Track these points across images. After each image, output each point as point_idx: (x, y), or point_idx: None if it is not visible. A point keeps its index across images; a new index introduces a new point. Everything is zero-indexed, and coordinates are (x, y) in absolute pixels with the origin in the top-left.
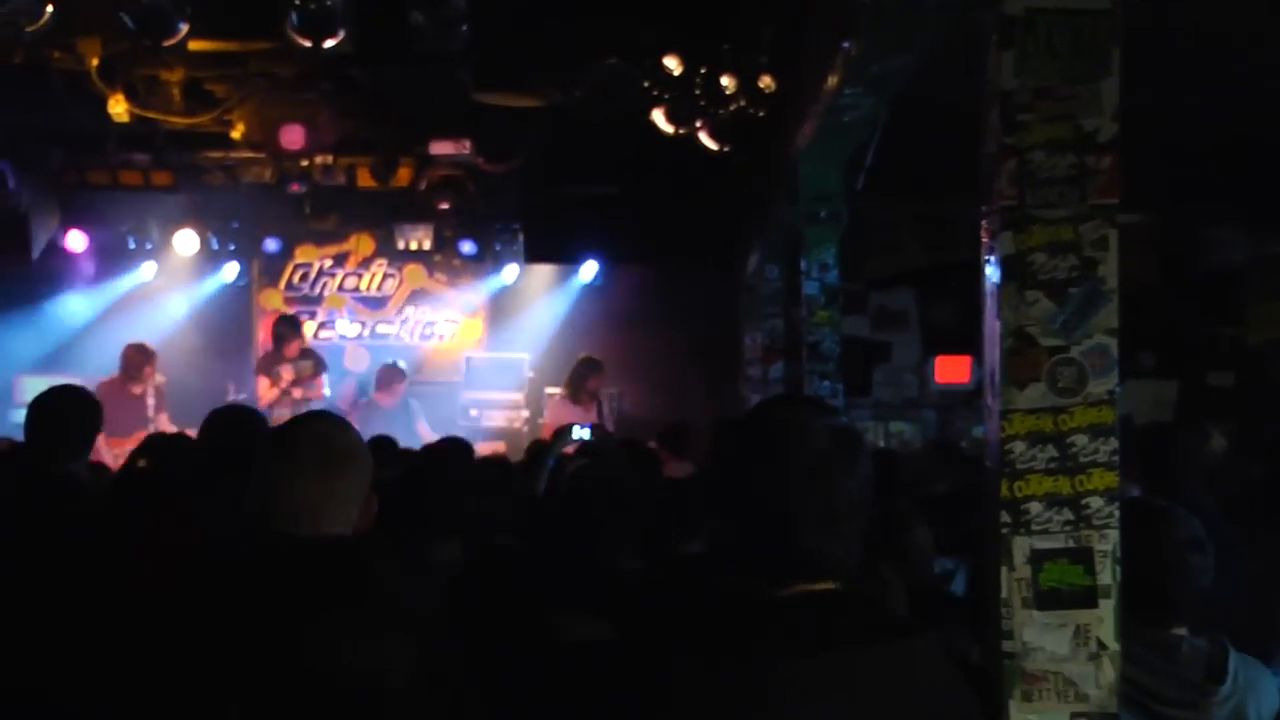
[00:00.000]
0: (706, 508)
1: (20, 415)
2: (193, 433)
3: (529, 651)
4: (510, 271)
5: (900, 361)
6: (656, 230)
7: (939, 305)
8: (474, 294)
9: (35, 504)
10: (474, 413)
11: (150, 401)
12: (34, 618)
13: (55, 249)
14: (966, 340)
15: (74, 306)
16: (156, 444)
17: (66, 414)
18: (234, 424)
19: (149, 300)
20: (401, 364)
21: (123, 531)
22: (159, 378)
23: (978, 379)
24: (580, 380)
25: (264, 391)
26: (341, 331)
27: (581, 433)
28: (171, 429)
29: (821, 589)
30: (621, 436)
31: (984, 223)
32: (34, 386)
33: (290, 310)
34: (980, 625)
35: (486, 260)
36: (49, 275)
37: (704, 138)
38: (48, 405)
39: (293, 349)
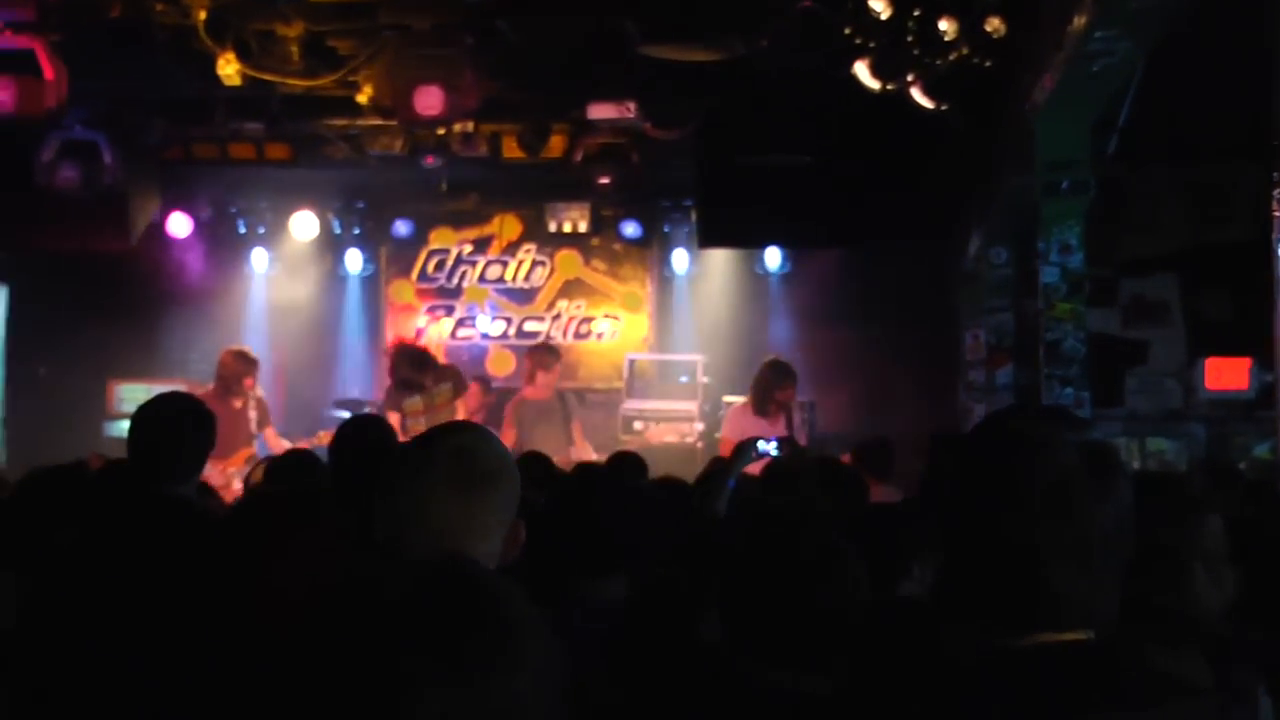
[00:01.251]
0: (924, 541)
1: (118, 427)
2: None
3: (716, 713)
4: (681, 258)
5: (1160, 364)
6: (856, 207)
7: (1209, 295)
8: (638, 285)
9: (141, 534)
10: (638, 425)
11: (252, 415)
12: (145, 665)
13: (156, 234)
14: (1245, 338)
15: (177, 300)
16: (282, 464)
17: (178, 427)
18: (366, 438)
19: (261, 293)
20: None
21: (244, 565)
22: (259, 390)
23: (1261, 385)
24: (766, 387)
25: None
26: (483, 329)
27: (768, 448)
28: (282, 444)
29: (1071, 639)
30: (816, 454)
31: (1275, 193)
32: (130, 394)
33: (423, 304)
34: None
35: (653, 244)
36: (148, 264)
37: (916, 94)
38: (157, 416)
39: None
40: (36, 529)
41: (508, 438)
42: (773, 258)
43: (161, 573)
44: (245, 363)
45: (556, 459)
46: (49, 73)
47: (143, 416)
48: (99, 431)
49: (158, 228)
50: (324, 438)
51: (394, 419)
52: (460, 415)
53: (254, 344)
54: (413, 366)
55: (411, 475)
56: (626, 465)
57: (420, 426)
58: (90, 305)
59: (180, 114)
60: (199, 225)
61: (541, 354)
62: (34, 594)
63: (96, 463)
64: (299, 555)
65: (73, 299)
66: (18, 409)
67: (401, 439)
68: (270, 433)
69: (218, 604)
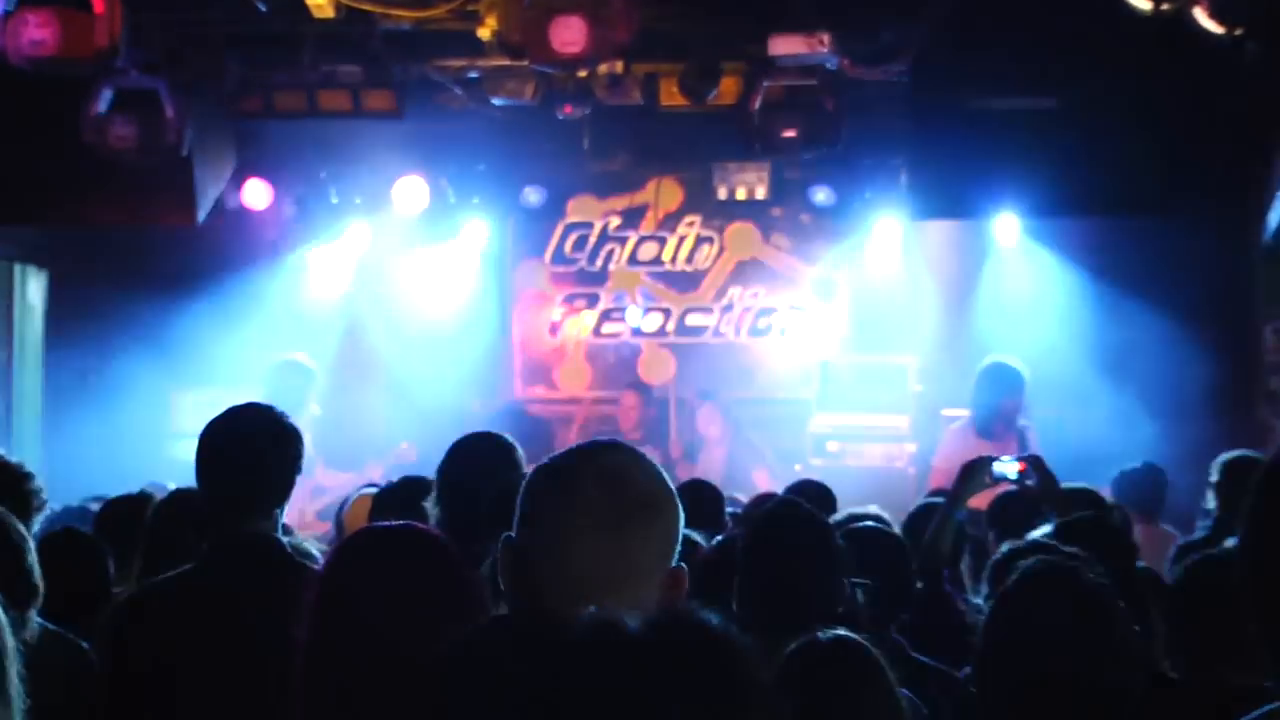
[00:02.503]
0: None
1: (183, 447)
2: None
3: None
4: (886, 232)
5: None
6: (1114, 165)
7: None
8: (832, 267)
9: (222, 583)
10: (833, 446)
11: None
12: None
13: (228, 206)
14: None
15: (254, 289)
16: (390, 498)
17: (261, 450)
18: (488, 460)
19: (358, 278)
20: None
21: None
22: (314, 408)
23: None
24: (995, 398)
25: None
26: (634, 324)
27: (1006, 470)
28: (332, 475)
29: None
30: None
31: None
32: (199, 407)
33: (559, 292)
34: None
35: (851, 215)
36: (219, 244)
37: (1199, 15)
38: (233, 434)
39: None
40: (93, 577)
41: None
42: (1006, 230)
43: (252, 633)
44: (302, 376)
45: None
46: (99, 5)
47: (216, 437)
48: (159, 451)
49: (230, 199)
50: (404, 451)
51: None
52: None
53: (346, 344)
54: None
55: (547, 507)
56: (811, 497)
57: None
58: (147, 295)
59: (259, 55)
60: (281, 195)
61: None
62: (98, 663)
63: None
64: (421, 611)
65: (126, 287)
66: (59, 425)
67: None
68: (319, 463)
69: (321, 675)
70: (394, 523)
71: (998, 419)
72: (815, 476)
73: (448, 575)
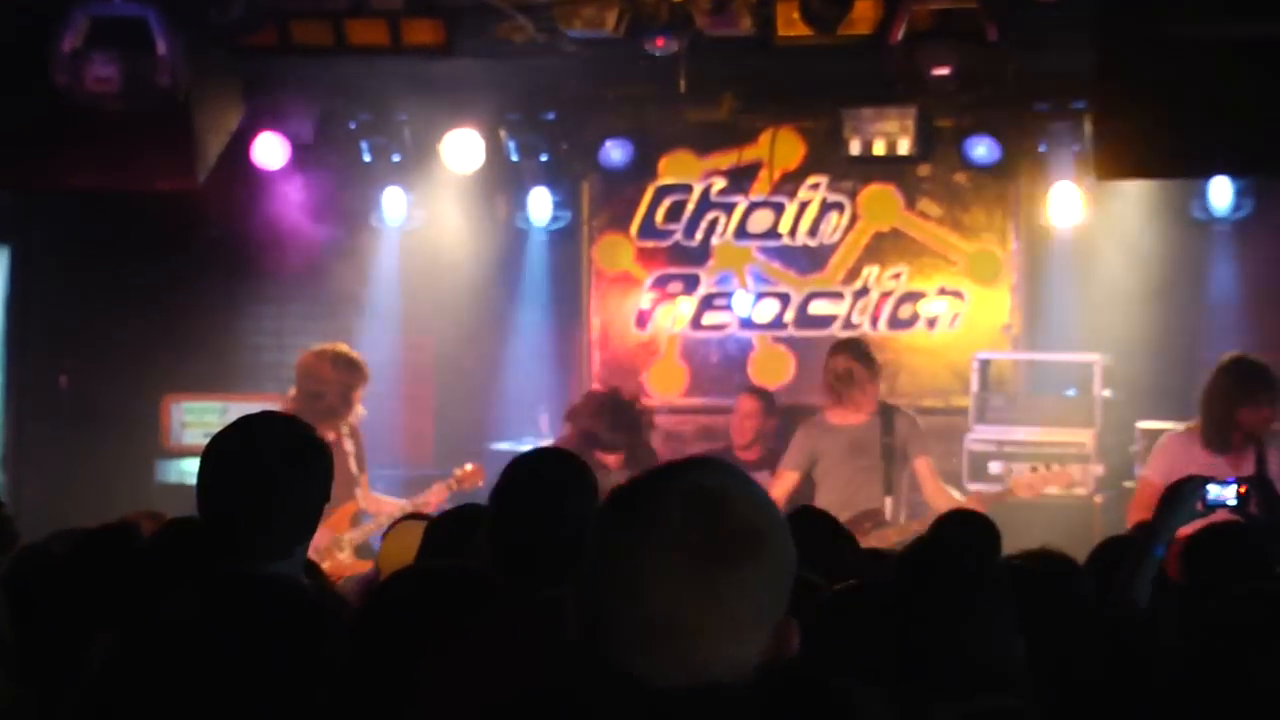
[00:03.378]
0: None
1: (178, 468)
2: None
3: None
4: (1065, 196)
5: None
6: None
7: None
8: (994, 240)
9: (227, 639)
10: (995, 467)
11: (350, 449)
12: None
13: (236, 165)
14: None
15: (267, 270)
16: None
17: (278, 471)
18: (552, 485)
19: (394, 257)
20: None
21: (373, 691)
22: (360, 410)
23: None
24: (1226, 404)
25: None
26: (742, 313)
27: (1223, 494)
28: (381, 502)
29: None
30: None
31: None
32: (198, 416)
33: (649, 273)
34: None
35: (1020, 175)
36: (223, 213)
37: None
38: (242, 452)
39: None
40: (66, 630)
41: (783, 484)
42: (1220, 193)
43: (263, 700)
44: (349, 368)
45: (867, 528)
46: None
47: (220, 453)
48: (149, 474)
49: (238, 156)
50: (469, 475)
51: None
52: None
53: (384, 337)
54: (612, 426)
55: (623, 541)
56: (969, 532)
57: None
58: (134, 277)
59: None
60: (300, 151)
61: (857, 356)
62: None
63: (149, 526)
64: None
65: (107, 268)
66: (27, 437)
67: None
68: (364, 480)
69: None
70: (437, 563)
71: (1235, 429)
72: (973, 507)
73: (502, 628)
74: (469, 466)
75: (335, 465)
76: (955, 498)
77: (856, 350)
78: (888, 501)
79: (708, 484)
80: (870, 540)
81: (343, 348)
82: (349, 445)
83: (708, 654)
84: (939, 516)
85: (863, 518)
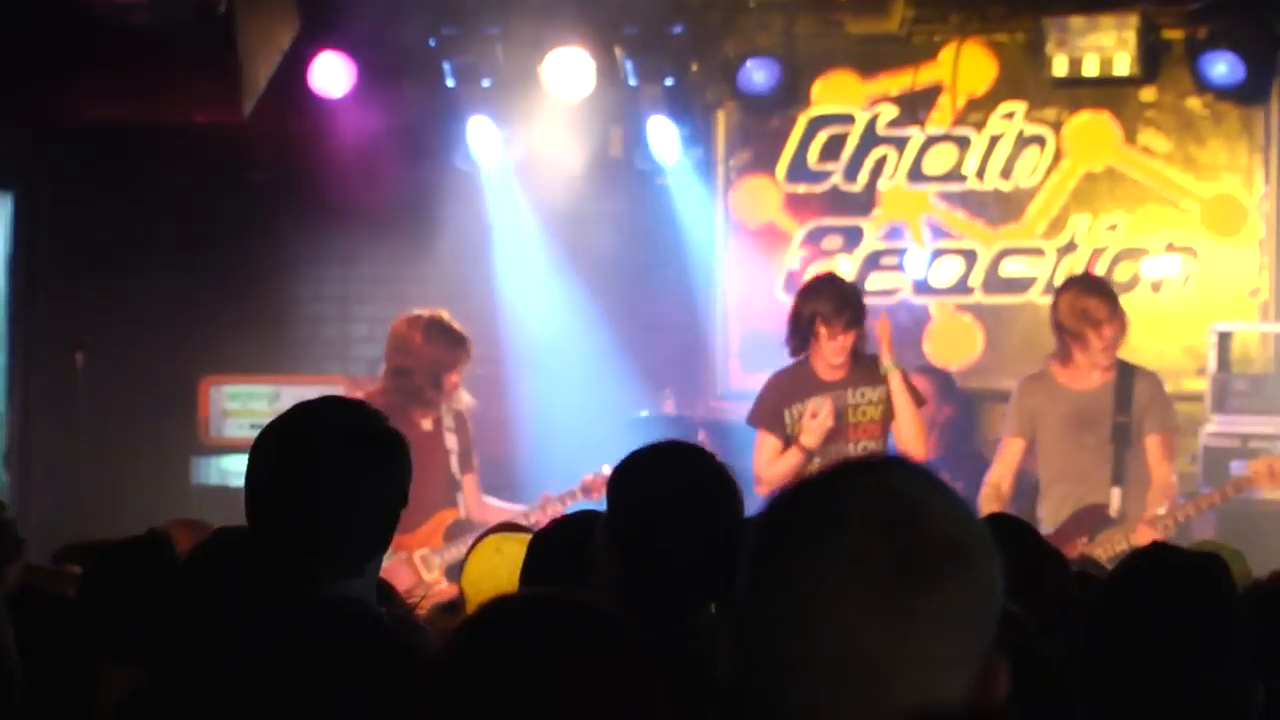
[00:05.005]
0: None
1: (220, 466)
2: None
3: None
4: None
5: None
6: None
7: None
8: (1239, 181)
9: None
10: (1240, 467)
11: (452, 446)
12: None
13: (289, 94)
14: None
15: (329, 220)
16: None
17: (338, 470)
18: (686, 490)
19: (484, 203)
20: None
21: None
22: (465, 397)
23: None
24: None
25: (764, 464)
26: (917, 275)
27: None
28: (489, 506)
29: None
30: None
31: None
32: (244, 402)
33: (800, 224)
34: None
35: (1268, 99)
36: (278, 148)
37: None
38: (303, 449)
39: (834, 353)
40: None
41: (1010, 454)
42: None
43: None
44: (443, 342)
45: (1086, 530)
46: None
47: (271, 448)
48: (184, 473)
49: (292, 81)
50: (601, 482)
51: (765, 453)
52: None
53: (472, 306)
54: (819, 294)
55: (789, 557)
56: (1202, 562)
57: (810, 471)
58: (166, 232)
59: None
60: (368, 75)
61: (1093, 290)
62: None
63: (184, 537)
64: None
65: (136, 218)
66: (35, 428)
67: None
68: (471, 482)
69: None
70: (539, 590)
71: None
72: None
73: (626, 673)
74: (607, 469)
75: (432, 463)
76: (1172, 491)
77: (1093, 285)
78: (1115, 494)
79: (898, 488)
80: (1093, 548)
81: (442, 315)
82: (451, 440)
83: (899, 697)
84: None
85: (1083, 516)
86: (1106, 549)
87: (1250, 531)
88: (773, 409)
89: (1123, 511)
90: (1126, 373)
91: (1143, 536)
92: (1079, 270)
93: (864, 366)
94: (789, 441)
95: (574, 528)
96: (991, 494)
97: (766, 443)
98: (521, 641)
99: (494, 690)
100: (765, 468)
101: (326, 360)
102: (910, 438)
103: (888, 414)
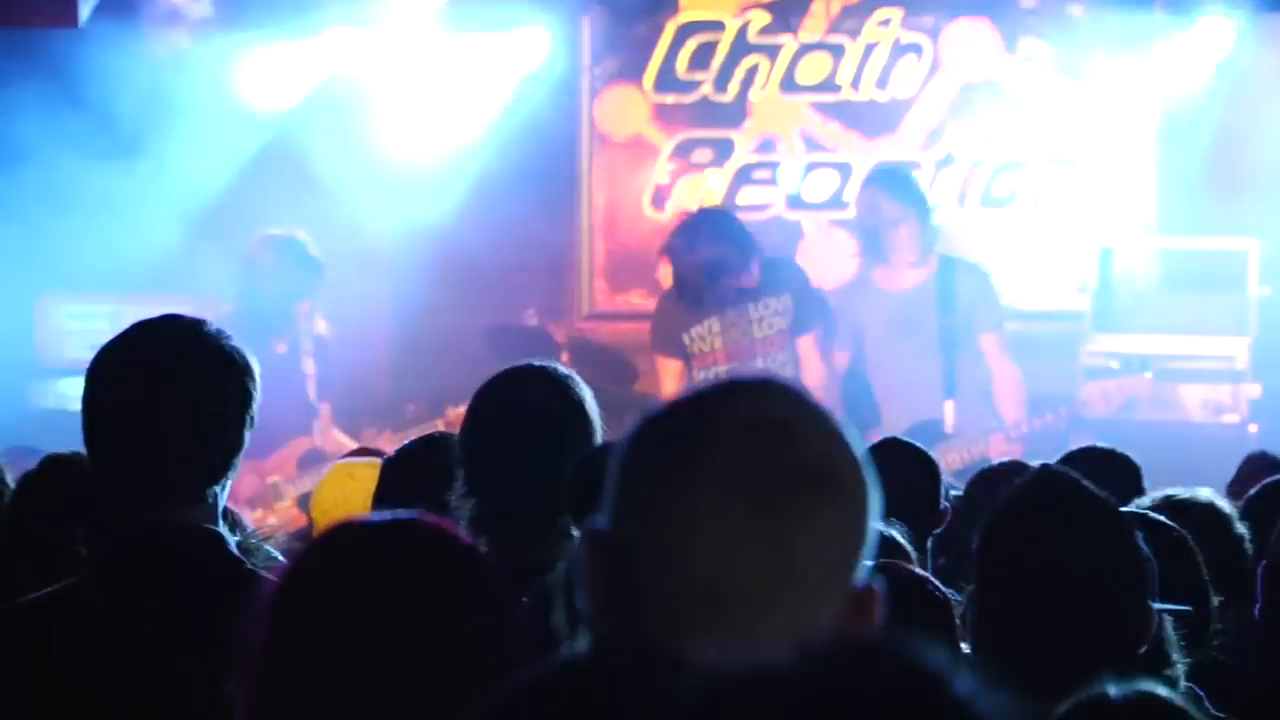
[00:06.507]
0: None
1: (58, 389)
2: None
3: None
4: (1214, 35)
5: None
6: None
7: None
8: (1123, 93)
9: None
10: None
11: (309, 371)
12: None
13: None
14: None
15: (171, 133)
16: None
17: (188, 390)
18: (545, 414)
19: (339, 122)
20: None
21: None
22: (320, 323)
23: None
24: None
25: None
26: (790, 189)
27: None
28: (339, 438)
29: None
30: None
31: None
32: (85, 323)
33: (668, 137)
34: None
35: (1156, 6)
36: (112, 56)
37: None
38: (144, 371)
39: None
40: None
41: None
42: None
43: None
44: (295, 265)
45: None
46: None
47: (109, 368)
48: (19, 398)
49: None
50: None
51: (669, 380)
52: (809, 374)
53: (330, 225)
54: (717, 243)
55: (659, 482)
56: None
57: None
58: (2, 142)
59: None
60: None
61: (888, 186)
62: None
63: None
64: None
65: None
66: None
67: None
68: (326, 411)
69: None
70: (388, 514)
71: None
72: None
73: (477, 600)
74: (454, 411)
75: (287, 389)
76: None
77: (887, 180)
78: (949, 408)
79: (771, 410)
80: None
81: (298, 236)
82: (309, 365)
83: (771, 625)
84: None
85: (917, 432)
86: (946, 463)
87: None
88: (667, 333)
89: (958, 426)
90: (947, 267)
91: (996, 450)
92: (949, 193)
93: (766, 276)
94: (689, 363)
95: (428, 451)
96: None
97: (668, 367)
98: (363, 564)
99: (334, 613)
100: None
101: (171, 280)
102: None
103: (795, 323)
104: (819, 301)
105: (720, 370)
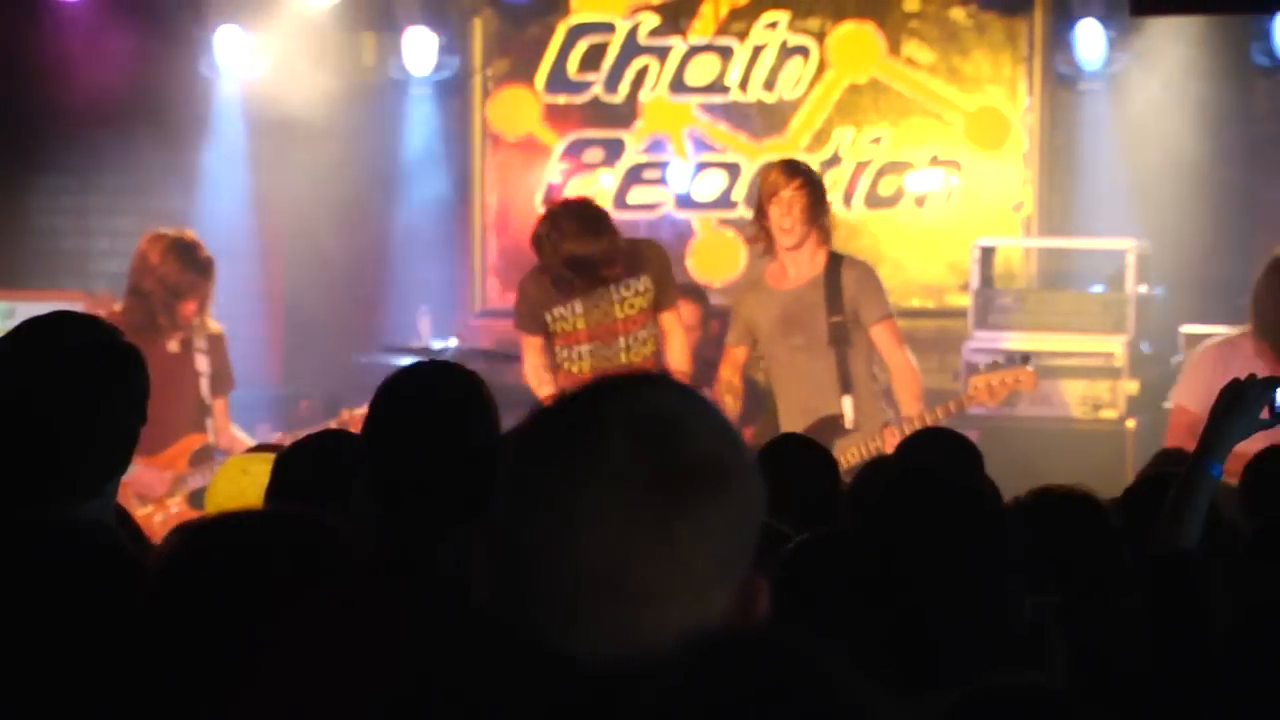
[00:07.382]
0: None
1: None
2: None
3: None
4: (1089, 38)
5: None
6: None
7: None
8: (1003, 93)
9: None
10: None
11: (202, 368)
12: None
13: None
14: None
15: (66, 126)
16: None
17: (75, 388)
18: (440, 409)
19: (232, 116)
20: None
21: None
22: (212, 323)
23: None
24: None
25: (532, 367)
26: (679, 189)
27: None
28: (238, 436)
29: None
30: None
31: None
32: None
33: (560, 136)
34: None
35: (1033, 9)
36: (4, 52)
37: None
38: (31, 366)
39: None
40: None
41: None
42: None
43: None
44: (181, 264)
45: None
46: None
47: (6, 369)
48: None
49: None
50: (355, 420)
51: (532, 354)
52: (673, 347)
53: (221, 222)
54: (581, 237)
55: (547, 476)
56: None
57: (583, 368)
58: None
59: None
60: None
61: (781, 166)
62: None
63: None
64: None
65: None
66: None
67: (552, 378)
68: (222, 408)
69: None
70: (271, 509)
71: None
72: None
73: (368, 595)
74: (349, 414)
75: (179, 386)
76: (917, 378)
77: (784, 163)
78: (847, 403)
79: (658, 405)
80: None
81: (186, 235)
82: (202, 362)
83: (657, 620)
84: (904, 441)
85: (817, 428)
86: (845, 460)
87: (1003, 449)
88: (530, 312)
89: (856, 421)
90: (834, 264)
91: (893, 444)
92: (835, 193)
93: (627, 259)
94: (550, 341)
95: (321, 446)
96: (724, 388)
97: (531, 344)
98: (238, 557)
99: (207, 604)
100: (532, 372)
101: (64, 276)
102: (677, 355)
103: (655, 301)
104: (674, 280)
105: (583, 349)
